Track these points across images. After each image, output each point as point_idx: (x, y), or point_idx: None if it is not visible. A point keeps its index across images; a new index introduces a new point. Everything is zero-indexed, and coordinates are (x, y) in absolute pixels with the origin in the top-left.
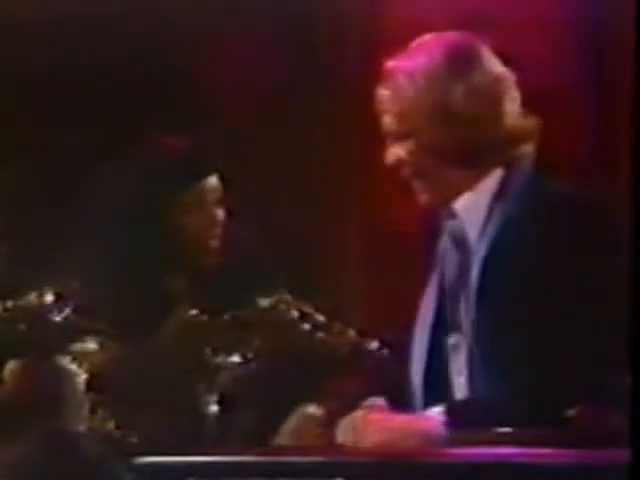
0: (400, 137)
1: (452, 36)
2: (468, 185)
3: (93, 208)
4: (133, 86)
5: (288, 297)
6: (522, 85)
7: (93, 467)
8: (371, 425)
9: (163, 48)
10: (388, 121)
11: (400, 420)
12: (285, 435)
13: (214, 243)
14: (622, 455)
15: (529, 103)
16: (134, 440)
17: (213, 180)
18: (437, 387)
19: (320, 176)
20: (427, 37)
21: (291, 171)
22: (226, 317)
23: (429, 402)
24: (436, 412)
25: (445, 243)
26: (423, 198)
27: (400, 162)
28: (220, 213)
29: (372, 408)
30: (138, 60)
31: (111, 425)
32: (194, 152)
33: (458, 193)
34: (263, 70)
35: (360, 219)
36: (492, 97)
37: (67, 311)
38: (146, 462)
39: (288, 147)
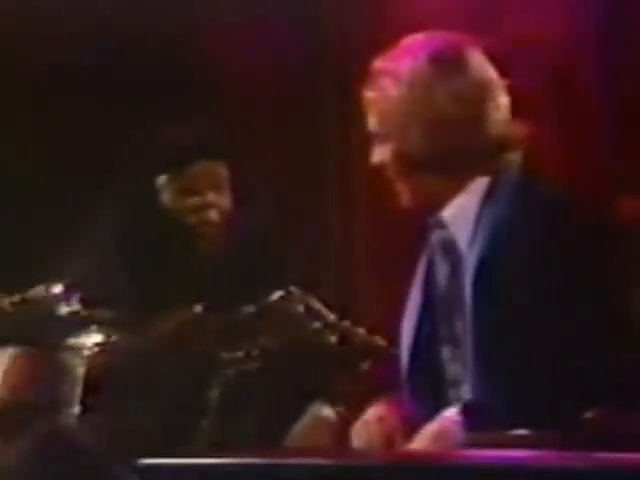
0: (383, 139)
1: (440, 37)
2: (452, 191)
3: (95, 200)
4: (132, 75)
5: (296, 292)
6: (514, 90)
7: (92, 467)
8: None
9: (164, 39)
10: (372, 122)
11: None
12: (297, 437)
13: (209, 229)
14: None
15: (521, 108)
16: (135, 439)
17: (204, 165)
18: (423, 398)
19: (325, 170)
20: (414, 37)
21: (295, 166)
22: (232, 313)
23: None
24: (452, 412)
25: (432, 253)
26: (405, 200)
27: (383, 164)
28: (213, 197)
29: (380, 409)
30: (139, 50)
31: (112, 423)
32: (185, 138)
33: (441, 199)
34: (264, 62)
35: (369, 214)
36: (476, 103)
37: (73, 304)
38: (147, 463)
39: (293, 141)
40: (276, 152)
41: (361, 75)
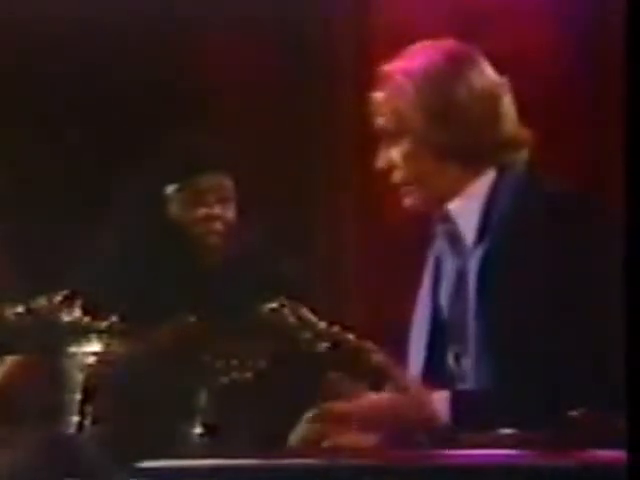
0: (394, 138)
1: (447, 41)
2: (459, 187)
3: (96, 208)
4: (133, 86)
5: (288, 302)
6: (517, 92)
7: (93, 471)
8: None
9: (162, 48)
10: (382, 122)
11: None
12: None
13: (214, 239)
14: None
15: (523, 109)
16: (133, 444)
17: (212, 177)
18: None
19: (316, 178)
20: (422, 43)
21: (287, 174)
22: (226, 323)
23: None
24: (443, 396)
25: (439, 248)
26: (411, 203)
27: (391, 167)
28: (219, 209)
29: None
30: (138, 59)
31: (111, 429)
32: (191, 149)
33: (448, 196)
34: (260, 70)
35: (358, 220)
36: (491, 100)
37: (74, 312)
38: (146, 466)
39: (285, 152)
40: (264, 162)
41: (351, 85)
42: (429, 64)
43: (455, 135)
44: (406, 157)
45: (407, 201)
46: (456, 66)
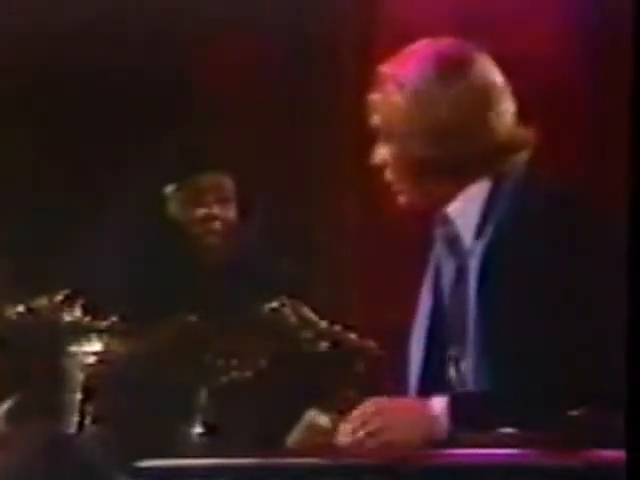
0: (386, 141)
1: (445, 43)
2: (453, 192)
3: (96, 208)
4: (133, 85)
5: (289, 302)
6: (518, 91)
7: (93, 471)
8: (375, 421)
9: (162, 48)
10: (377, 124)
11: (405, 410)
12: (292, 445)
13: (213, 239)
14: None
15: (525, 109)
16: (133, 444)
17: (211, 177)
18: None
19: (316, 178)
20: (420, 43)
21: (287, 174)
22: (226, 322)
23: None
24: (440, 402)
25: (439, 250)
26: (404, 201)
27: (384, 164)
28: (218, 209)
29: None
30: (138, 60)
31: (111, 429)
32: (191, 149)
33: (442, 199)
34: (261, 70)
35: (359, 220)
36: (481, 108)
37: (75, 312)
38: (145, 466)
39: (285, 152)
40: (264, 163)
41: (351, 85)
42: (419, 72)
43: (443, 144)
44: (395, 160)
45: (401, 199)
46: (446, 75)
